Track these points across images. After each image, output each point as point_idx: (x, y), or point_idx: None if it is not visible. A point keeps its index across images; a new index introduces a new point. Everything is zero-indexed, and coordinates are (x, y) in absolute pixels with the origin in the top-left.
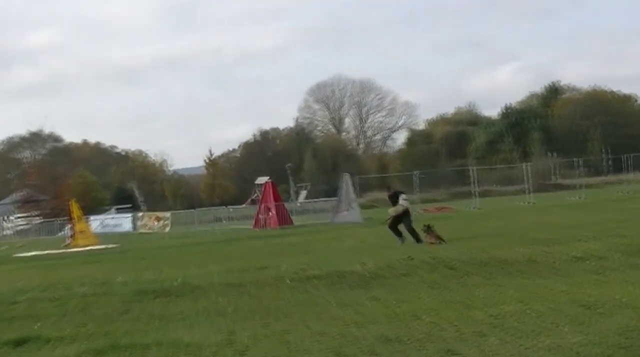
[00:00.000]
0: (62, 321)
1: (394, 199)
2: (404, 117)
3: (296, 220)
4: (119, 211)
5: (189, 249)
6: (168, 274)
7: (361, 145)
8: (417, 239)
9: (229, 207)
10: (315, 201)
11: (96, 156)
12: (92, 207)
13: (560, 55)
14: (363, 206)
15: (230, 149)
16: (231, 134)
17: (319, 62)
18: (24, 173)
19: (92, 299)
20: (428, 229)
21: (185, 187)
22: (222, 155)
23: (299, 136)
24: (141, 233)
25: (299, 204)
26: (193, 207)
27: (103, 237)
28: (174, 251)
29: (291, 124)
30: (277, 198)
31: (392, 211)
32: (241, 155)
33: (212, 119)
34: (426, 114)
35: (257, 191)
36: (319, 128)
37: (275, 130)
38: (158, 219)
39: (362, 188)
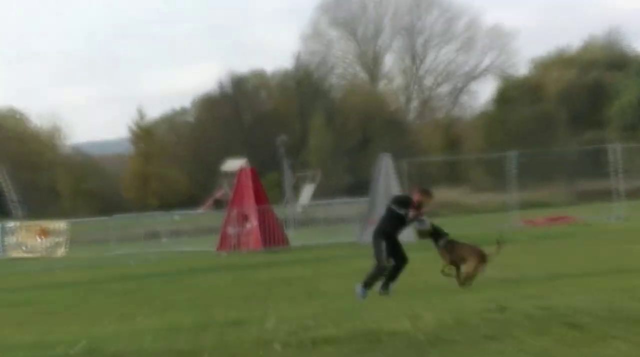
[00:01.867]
0: None
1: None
2: (491, 54)
3: (295, 237)
4: None
5: (101, 288)
6: (61, 334)
7: (414, 104)
8: (387, 280)
9: (173, 213)
10: (329, 203)
11: None
12: None
13: None
14: None
15: (177, 108)
16: (179, 81)
17: None
18: None
19: None
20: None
21: (95, 178)
22: (163, 120)
23: (302, 87)
24: (13, 259)
25: (300, 209)
26: (108, 213)
27: None
28: (72, 291)
29: (288, 64)
30: (261, 198)
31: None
32: (197, 119)
33: (144, 55)
34: (531, 48)
35: (224, 185)
36: (337, 72)
37: (259, 75)
38: (44, 233)
39: (416, 179)
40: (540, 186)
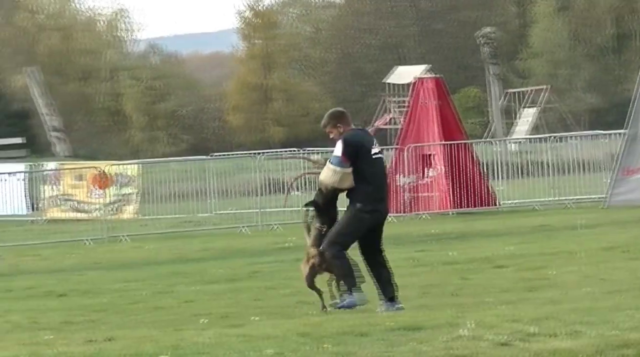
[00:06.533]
0: None
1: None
2: None
3: (507, 192)
4: None
5: (196, 271)
6: (131, 342)
7: None
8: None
9: (309, 150)
10: (561, 139)
11: None
12: None
13: None
14: None
15: None
16: None
17: None
18: None
19: None
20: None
21: (181, 92)
22: (293, 1)
23: None
24: (52, 221)
25: (515, 147)
26: (204, 151)
27: None
28: (149, 276)
29: None
30: (451, 128)
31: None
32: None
33: None
34: None
35: (391, 107)
36: None
37: None
38: (103, 181)
39: None
40: None
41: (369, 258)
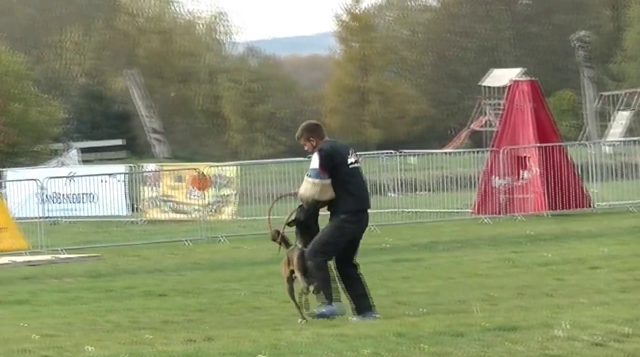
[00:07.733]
0: None
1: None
2: None
3: (602, 194)
4: (86, 153)
5: None
6: (229, 340)
7: None
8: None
9: (406, 152)
10: None
11: None
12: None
13: None
14: None
15: None
16: None
17: None
18: None
19: None
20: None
21: (280, 93)
22: (389, 5)
23: None
24: (151, 222)
25: (609, 149)
26: (301, 152)
27: (46, 231)
28: (248, 275)
29: None
30: (546, 131)
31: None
32: (444, 3)
33: None
34: None
35: (487, 110)
36: None
37: None
38: (202, 182)
39: None
40: None
41: (343, 271)
